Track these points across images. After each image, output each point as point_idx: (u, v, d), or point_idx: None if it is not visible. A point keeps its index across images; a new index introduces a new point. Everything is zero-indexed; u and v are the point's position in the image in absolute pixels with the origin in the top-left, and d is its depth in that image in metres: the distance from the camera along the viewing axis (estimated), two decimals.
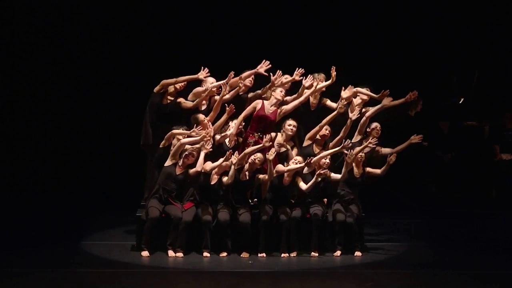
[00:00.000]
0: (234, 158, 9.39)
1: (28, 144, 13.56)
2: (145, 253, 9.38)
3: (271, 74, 9.98)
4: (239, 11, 13.19)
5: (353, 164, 9.60)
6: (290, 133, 9.81)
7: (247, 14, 13.21)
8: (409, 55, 13.65)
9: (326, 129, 9.87)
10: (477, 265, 9.10)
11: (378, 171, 9.77)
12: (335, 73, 9.87)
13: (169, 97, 10.03)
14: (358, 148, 9.59)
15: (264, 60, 10.02)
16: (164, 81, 9.98)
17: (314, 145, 9.93)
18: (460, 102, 14.38)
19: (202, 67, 10.00)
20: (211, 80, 10.03)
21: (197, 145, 9.49)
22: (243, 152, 9.52)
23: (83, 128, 13.42)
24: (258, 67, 10.04)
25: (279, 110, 9.89)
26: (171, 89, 10.00)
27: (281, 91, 9.88)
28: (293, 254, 9.54)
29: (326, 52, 12.49)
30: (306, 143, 9.96)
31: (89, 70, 13.41)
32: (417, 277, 8.58)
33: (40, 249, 9.60)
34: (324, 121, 9.84)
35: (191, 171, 9.50)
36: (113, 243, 10.02)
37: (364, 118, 9.85)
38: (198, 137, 9.40)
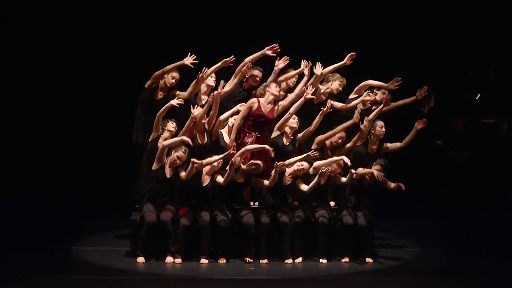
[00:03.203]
0: (236, 158, 9.05)
1: (19, 147, 13.48)
2: (140, 259, 9.16)
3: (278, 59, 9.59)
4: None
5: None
6: (295, 126, 9.52)
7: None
8: (422, 49, 13.49)
9: (340, 138, 9.57)
10: (494, 271, 8.90)
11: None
12: (350, 60, 9.61)
13: (161, 92, 9.84)
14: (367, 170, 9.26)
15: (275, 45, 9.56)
16: (155, 74, 9.80)
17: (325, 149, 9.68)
18: (476, 98, 14.27)
19: (189, 54, 9.67)
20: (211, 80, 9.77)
21: (180, 152, 9.20)
22: (243, 149, 9.20)
23: (74, 130, 13.44)
24: (266, 48, 9.58)
25: (276, 107, 9.60)
26: (162, 84, 9.83)
27: (276, 87, 9.52)
28: (298, 260, 9.19)
29: (335, 44, 12.23)
30: (314, 146, 9.65)
31: (77, 71, 13.29)
32: (430, 284, 8.42)
33: (30, 255, 9.45)
34: (339, 127, 9.55)
35: (182, 175, 9.22)
36: (106, 248, 9.84)
37: (366, 122, 9.55)
38: (178, 139, 9.22)
